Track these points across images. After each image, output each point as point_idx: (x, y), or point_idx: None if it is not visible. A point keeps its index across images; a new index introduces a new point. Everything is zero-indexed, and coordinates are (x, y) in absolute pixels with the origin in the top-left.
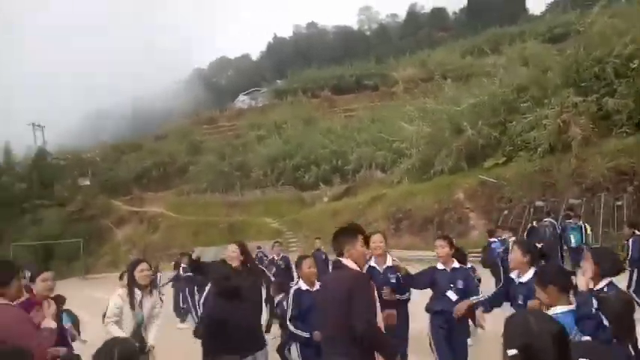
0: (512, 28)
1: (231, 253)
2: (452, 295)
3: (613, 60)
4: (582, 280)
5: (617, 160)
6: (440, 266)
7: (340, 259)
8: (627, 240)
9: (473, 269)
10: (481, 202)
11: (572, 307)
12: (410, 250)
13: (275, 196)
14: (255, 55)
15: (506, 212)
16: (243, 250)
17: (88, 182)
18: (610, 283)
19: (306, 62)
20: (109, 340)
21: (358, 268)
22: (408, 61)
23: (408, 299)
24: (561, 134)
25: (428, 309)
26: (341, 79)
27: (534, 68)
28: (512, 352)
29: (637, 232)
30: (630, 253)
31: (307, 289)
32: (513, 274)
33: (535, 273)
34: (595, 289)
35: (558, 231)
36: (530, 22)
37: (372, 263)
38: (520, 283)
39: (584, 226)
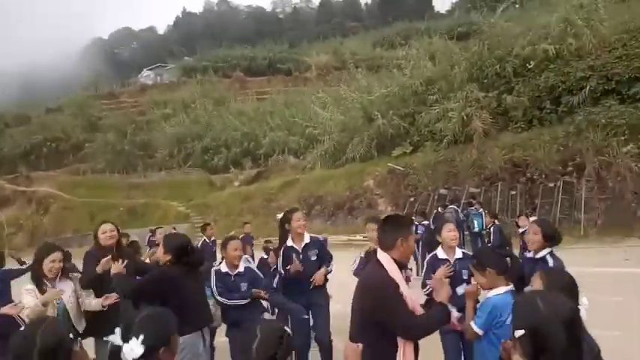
0: (420, 23)
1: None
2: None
3: (512, 60)
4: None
5: (512, 153)
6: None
7: (380, 255)
8: (489, 227)
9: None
10: (390, 189)
11: (511, 287)
12: (320, 235)
13: (182, 178)
14: (161, 29)
15: (412, 199)
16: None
17: None
18: (551, 253)
19: (216, 41)
20: (32, 324)
21: (396, 267)
22: (322, 47)
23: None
24: (464, 127)
25: None
26: (253, 61)
27: (442, 63)
28: (519, 332)
29: (497, 221)
30: (492, 239)
31: (227, 272)
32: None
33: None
34: (537, 257)
35: (461, 217)
36: (436, 20)
37: (290, 243)
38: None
39: (484, 213)
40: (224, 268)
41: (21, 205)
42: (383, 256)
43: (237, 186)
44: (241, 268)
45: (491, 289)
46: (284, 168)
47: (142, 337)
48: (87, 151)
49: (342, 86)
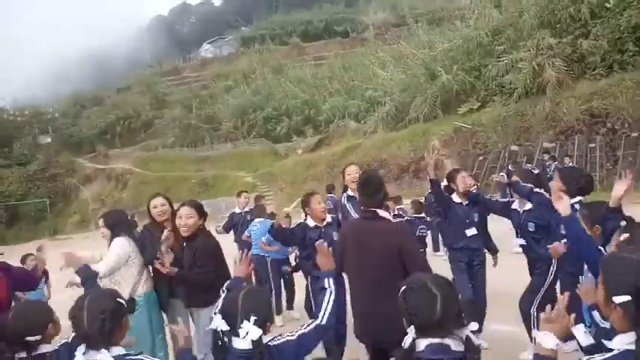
0: None
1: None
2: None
3: (588, 0)
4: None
5: (590, 103)
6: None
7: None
8: None
9: None
10: (456, 149)
11: None
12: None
13: (247, 149)
14: (218, 1)
15: (481, 158)
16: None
17: (49, 140)
18: (580, 202)
19: (272, 7)
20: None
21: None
22: (379, 4)
23: None
24: (536, 77)
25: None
26: (309, 25)
27: (509, 10)
28: (622, 298)
29: None
30: None
31: (316, 225)
32: (515, 205)
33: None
34: None
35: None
36: None
37: (352, 193)
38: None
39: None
40: (311, 222)
41: (102, 182)
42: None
43: (300, 154)
44: (329, 219)
45: None
46: (345, 133)
47: (253, 318)
48: (157, 128)
49: (401, 43)
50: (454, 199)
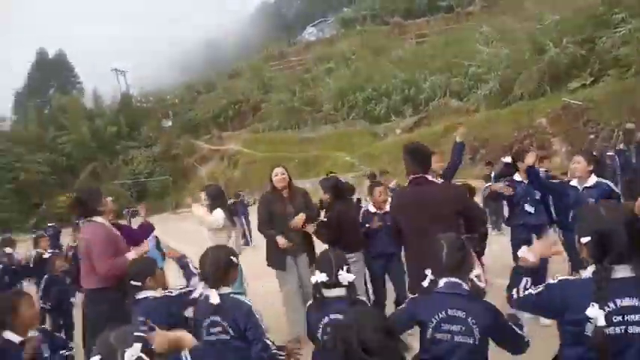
0: None
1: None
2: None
3: None
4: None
5: None
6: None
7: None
8: None
9: None
10: (565, 127)
11: None
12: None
13: (346, 130)
14: None
15: (592, 136)
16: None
17: (170, 123)
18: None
19: None
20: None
21: None
22: None
23: None
24: None
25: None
26: (412, 2)
27: None
28: (585, 239)
29: None
30: None
31: (375, 212)
32: (574, 182)
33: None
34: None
35: None
36: None
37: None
38: (585, 187)
39: None
40: (372, 208)
41: (216, 162)
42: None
43: (399, 134)
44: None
45: None
46: (446, 112)
47: (345, 267)
48: (263, 111)
49: (505, 17)
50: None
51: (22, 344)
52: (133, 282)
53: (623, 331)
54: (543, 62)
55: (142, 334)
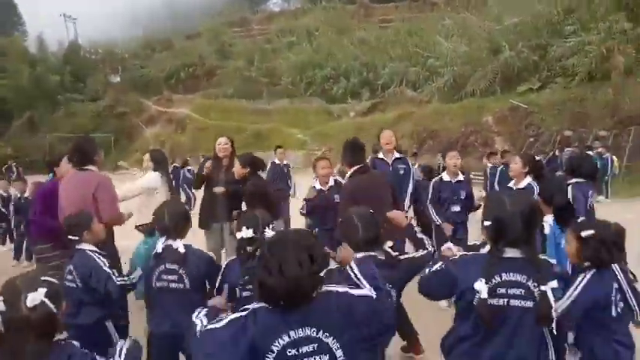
0: None
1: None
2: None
3: None
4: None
5: None
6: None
7: None
8: None
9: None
10: (509, 128)
11: None
12: None
13: (302, 106)
14: None
15: (532, 139)
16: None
17: (118, 79)
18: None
19: None
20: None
21: None
22: None
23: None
24: (603, 62)
25: None
26: None
27: None
28: (487, 222)
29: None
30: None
31: (320, 188)
32: (511, 184)
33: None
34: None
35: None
36: None
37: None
38: (517, 189)
39: (611, 159)
40: (317, 185)
41: (163, 125)
42: None
43: (352, 116)
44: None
45: None
46: (400, 100)
47: (271, 226)
48: (219, 77)
49: (467, 14)
50: (443, 178)
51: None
52: (70, 236)
53: (505, 303)
54: (498, 62)
55: (50, 279)
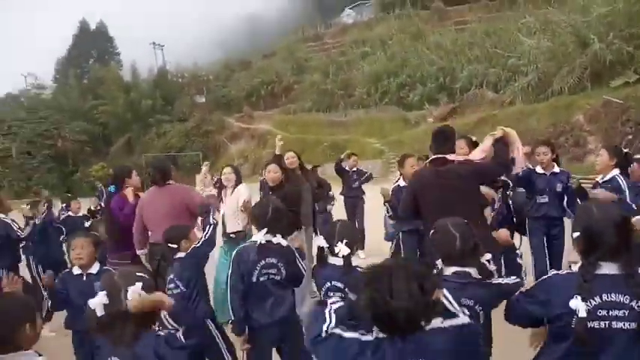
0: None
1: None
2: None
3: None
4: None
5: None
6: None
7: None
8: None
9: None
10: (603, 125)
11: None
12: None
13: (378, 115)
14: None
15: (630, 137)
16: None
17: (203, 100)
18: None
19: None
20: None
21: None
22: None
23: None
24: None
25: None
26: None
27: None
28: (575, 234)
29: None
30: None
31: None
32: (598, 178)
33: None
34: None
35: None
36: None
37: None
38: (603, 181)
39: None
40: (402, 183)
41: (246, 140)
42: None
43: (430, 122)
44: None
45: None
46: (481, 103)
47: (345, 240)
48: (296, 92)
49: (549, 9)
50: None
51: None
52: (169, 244)
53: (607, 325)
54: (586, 57)
55: (143, 275)
